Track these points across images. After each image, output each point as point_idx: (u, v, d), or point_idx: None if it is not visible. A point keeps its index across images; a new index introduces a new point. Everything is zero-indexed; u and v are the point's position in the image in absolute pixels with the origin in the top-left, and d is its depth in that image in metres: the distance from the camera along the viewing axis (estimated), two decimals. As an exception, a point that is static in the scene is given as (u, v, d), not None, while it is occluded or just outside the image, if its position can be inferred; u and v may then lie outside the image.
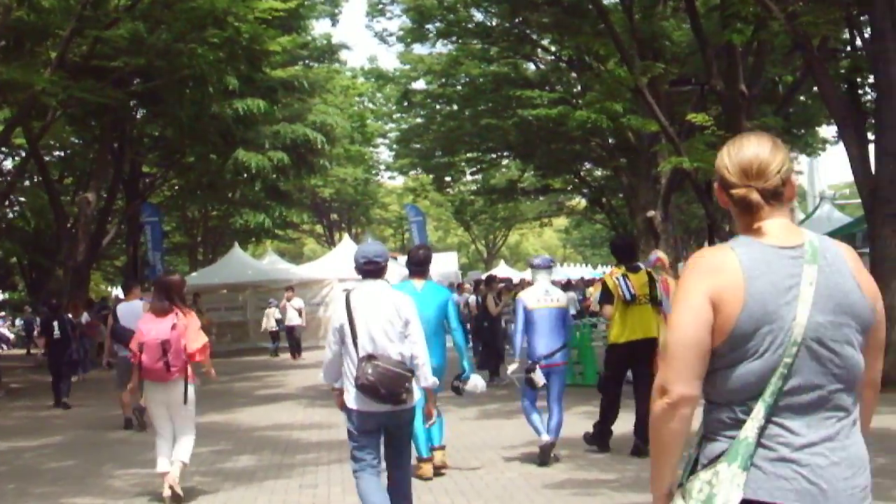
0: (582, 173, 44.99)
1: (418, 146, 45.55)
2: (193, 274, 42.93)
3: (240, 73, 29.09)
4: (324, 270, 40.65)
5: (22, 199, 43.88)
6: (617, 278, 12.54)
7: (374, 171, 71.09)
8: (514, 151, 42.00)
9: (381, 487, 8.11)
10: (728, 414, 3.45)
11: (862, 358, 3.50)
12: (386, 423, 8.09)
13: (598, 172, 46.60)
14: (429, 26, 38.25)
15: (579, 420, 14.20)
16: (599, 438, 12.81)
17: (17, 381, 29.10)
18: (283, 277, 38.86)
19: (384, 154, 68.60)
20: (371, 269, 8.29)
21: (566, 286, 37.38)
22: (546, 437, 11.94)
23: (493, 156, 45.04)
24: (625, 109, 29.16)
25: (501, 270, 56.52)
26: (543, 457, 11.92)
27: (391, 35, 42.59)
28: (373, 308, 8.11)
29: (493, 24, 36.49)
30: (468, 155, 44.31)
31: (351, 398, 8.01)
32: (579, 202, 58.11)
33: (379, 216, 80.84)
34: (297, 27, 36.06)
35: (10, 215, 46.18)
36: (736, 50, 22.48)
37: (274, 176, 35.60)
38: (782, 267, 3.46)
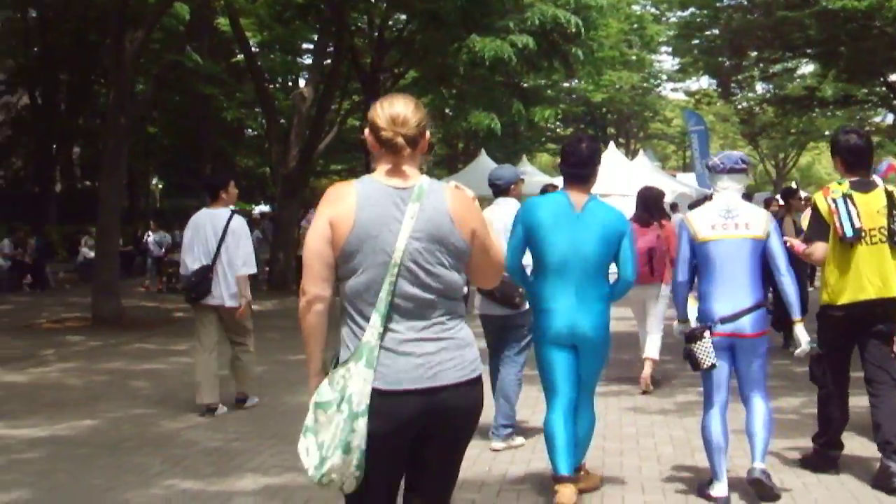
0: (891, 82, 37.73)
1: (700, 42, 39.28)
2: (433, 186, 37.98)
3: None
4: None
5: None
6: (834, 199, 8.02)
7: (654, 82, 65.02)
8: (814, 50, 35.09)
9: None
10: (353, 322, 4.41)
11: (455, 275, 4.48)
12: (504, 325, 9.38)
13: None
14: None
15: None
16: (822, 458, 8.47)
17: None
18: (532, 192, 33.16)
19: (666, 63, 63.01)
20: (493, 189, 9.77)
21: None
22: (720, 492, 7.52)
23: (789, 54, 38.17)
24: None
25: (791, 196, 49.84)
26: None
27: None
28: (500, 223, 9.00)
29: None
30: (759, 54, 37.91)
31: (476, 302, 9.54)
32: (883, 120, 50.68)
33: (660, 131, 74.77)
34: None
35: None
36: None
37: (519, 68, 29.86)
38: (390, 203, 4.41)
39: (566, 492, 7.29)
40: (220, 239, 11.10)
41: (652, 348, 12.59)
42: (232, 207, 11.57)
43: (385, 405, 4.25)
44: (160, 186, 63.85)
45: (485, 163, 37.70)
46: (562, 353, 7.50)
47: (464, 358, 4.45)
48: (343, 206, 4.38)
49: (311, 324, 4.47)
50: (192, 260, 11.20)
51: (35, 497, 7.93)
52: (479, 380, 4.52)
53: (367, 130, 4.56)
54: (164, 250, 32.34)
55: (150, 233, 33.35)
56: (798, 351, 7.67)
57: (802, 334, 7.62)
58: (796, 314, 7.66)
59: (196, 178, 48.14)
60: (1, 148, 46.48)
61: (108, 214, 21.50)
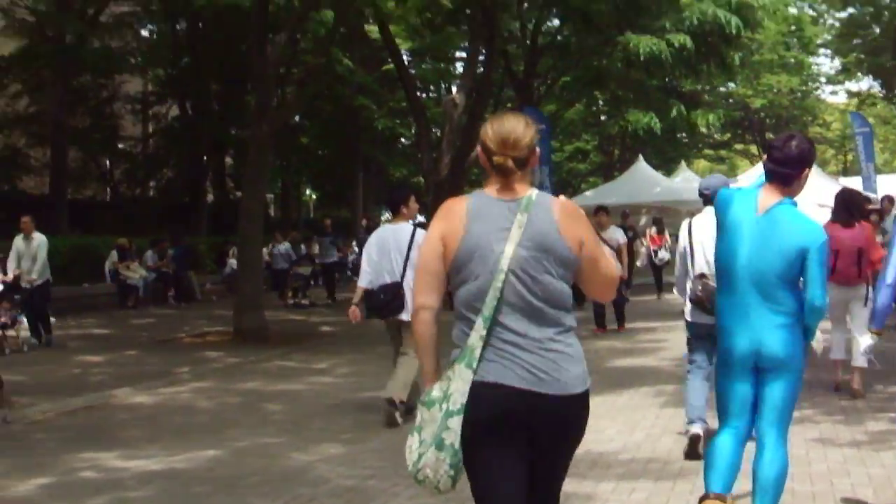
0: None
1: (863, 41, 37.63)
2: (587, 193, 37.47)
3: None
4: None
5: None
6: None
7: (813, 85, 62.97)
8: None
9: (705, 389, 9.29)
10: (462, 327, 4.54)
11: (562, 284, 4.54)
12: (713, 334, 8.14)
13: None
14: None
15: None
16: None
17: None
18: (693, 198, 31.61)
19: (825, 66, 61.00)
20: (703, 199, 9.51)
21: None
22: None
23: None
24: None
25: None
26: None
27: None
28: (708, 231, 8.76)
29: None
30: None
31: (687, 310, 9.43)
32: None
33: (819, 135, 72.48)
34: None
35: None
36: None
37: (676, 71, 28.83)
38: (500, 213, 4.54)
39: None
40: (407, 254, 11.25)
41: (859, 356, 11.74)
42: (415, 221, 11.85)
43: (485, 394, 4.35)
44: (314, 197, 63.80)
45: (643, 169, 36.60)
46: (740, 379, 6.48)
47: (566, 373, 4.46)
48: (453, 220, 4.55)
49: (420, 332, 4.64)
50: (377, 275, 11.38)
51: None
52: (579, 397, 4.51)
53: (479, 149, 4.67)
54: (289, 264, 31.12)
55: (273, 244, 31.59)
56: None
57: None
58: None
59: (349, 188, 47.80)
60: (151, 158, 46.49)
61: (251, 225, 20.88)
